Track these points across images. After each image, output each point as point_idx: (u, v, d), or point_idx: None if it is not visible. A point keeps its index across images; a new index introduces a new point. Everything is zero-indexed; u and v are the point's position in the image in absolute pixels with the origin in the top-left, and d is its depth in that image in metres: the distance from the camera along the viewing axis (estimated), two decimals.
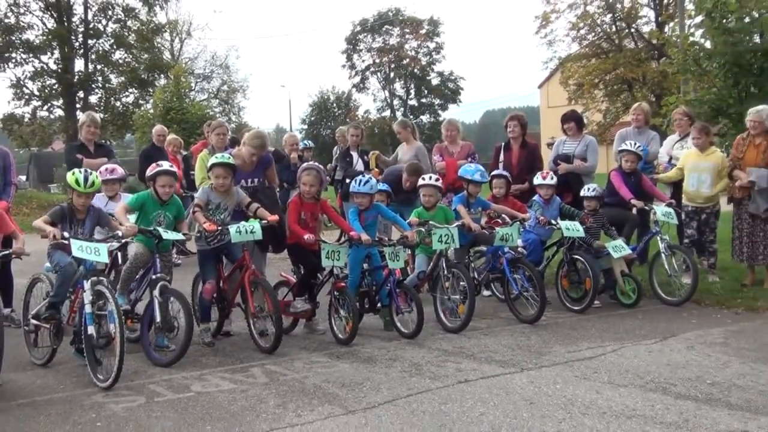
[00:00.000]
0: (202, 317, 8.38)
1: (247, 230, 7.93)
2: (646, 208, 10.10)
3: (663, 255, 9.48)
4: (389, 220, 9.43)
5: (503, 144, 11.90)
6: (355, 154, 13.11)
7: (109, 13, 40.46)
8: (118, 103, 40.23)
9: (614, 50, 44.42)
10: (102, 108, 36.58)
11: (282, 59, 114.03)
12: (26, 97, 39.39)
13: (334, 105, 69.26)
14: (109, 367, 6.77)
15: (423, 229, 9.01)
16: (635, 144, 10.82)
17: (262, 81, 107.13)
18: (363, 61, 70.01)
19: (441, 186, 9.74)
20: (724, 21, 18.55)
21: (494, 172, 10.62)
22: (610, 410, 5.89)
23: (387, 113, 68.75)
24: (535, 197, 10.25)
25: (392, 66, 68.60)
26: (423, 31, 67.31)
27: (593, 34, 45.45)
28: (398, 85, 69.90)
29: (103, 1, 39.81)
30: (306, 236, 7.94)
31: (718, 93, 18.86)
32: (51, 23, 38.76)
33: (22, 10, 38.29)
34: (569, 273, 9.92)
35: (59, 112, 39.90)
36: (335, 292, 8.30)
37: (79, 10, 39.82)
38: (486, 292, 10.48)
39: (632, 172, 10.34)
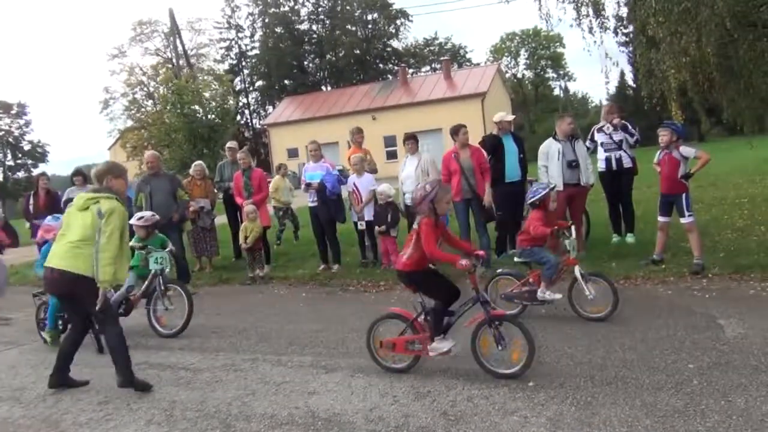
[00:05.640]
0: None
1: None
2: None
3: None
4: None
5: None
6: None
7: None
8: None
9: (158, 123, 47.37)
10: None
11: None
12: None
13: None
14: None
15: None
16: None
17: None
18: None
19: None
20: (182, 108, 21.81)
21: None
22: None
23: None
24: None
25: None
26: (13, 111, 62.85)
27: (139, 113, 47.37)
28: None
29: None
30: (462, 262, 4.78)
31: (185, 152, 21.99)
32: None
33: None
34: None
35: None
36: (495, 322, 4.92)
37: None
38: None
39: None
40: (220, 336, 6.94)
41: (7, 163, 66.65)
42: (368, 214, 9.69)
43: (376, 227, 9.52)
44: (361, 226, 9.85)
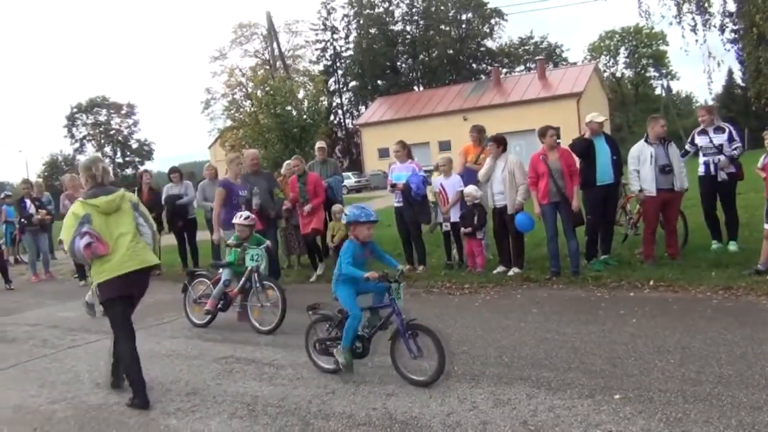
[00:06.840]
0: None
1: None
2: None
3: None
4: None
5: None
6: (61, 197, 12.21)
7: None
8: None
9: (253, 123, 49.37)
10: None
11: (17, 131, 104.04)
12: None
13: (63, 163, 66.00)
14: None
15: None
16: None
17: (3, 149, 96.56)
18: (80, 132, 68.42)
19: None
20: (275, 109, 22.24)
21: None
22: None
23: None
24: None
25: (102, 136, 67.59)
26: (123, 112, 67.34)
27: (238, 113, 49.57)
28: (108, 149, 68.69)
29: None
30: None
31: (277, 152, 22.44)
32: None
33: None
34: None
35: None
36: None
37: None
38: None
39: None
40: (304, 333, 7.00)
41: (117, 160, 71.12)
42: (455, 216, 9.61)
43: (462, 228, 9.43)
44: (445, 227, 9.79)
